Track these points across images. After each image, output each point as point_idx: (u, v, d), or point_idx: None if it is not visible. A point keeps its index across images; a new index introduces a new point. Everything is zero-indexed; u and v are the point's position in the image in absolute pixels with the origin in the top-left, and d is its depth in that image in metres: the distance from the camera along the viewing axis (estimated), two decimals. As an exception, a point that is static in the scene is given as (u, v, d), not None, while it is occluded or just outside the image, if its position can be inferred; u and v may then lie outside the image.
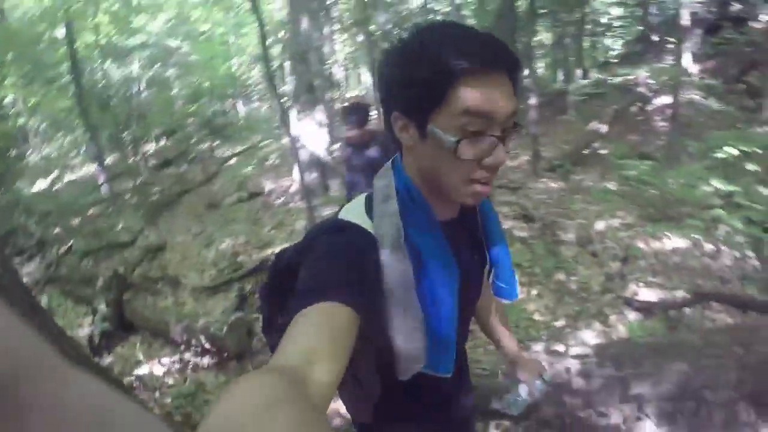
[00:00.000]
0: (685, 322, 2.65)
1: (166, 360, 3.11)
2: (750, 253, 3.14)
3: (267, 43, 6.72)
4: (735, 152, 3.74)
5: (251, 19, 8.36)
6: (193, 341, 3.08)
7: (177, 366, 3.04)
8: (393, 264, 0.69)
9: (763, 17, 7.42)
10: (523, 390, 1.13)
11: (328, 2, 9.44)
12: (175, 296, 4.04)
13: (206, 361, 3.01)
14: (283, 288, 0.72)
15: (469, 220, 0.85)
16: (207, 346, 3.02)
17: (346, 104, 3.45)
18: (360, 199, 0.79)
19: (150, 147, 10.03)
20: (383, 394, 0.77)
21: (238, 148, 9.92)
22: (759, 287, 2.88)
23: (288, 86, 6.64)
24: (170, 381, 2.92)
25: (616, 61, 9.32)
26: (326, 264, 0.64)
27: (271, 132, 10.43)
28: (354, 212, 0.77)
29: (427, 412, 0.88)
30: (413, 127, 0.69)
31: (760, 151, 3.71)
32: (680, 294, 2.87)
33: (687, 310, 2.74)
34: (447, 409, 0.93)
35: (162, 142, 10.41)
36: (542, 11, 7.07)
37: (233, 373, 2.90)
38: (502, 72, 0.65)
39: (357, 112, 3.29)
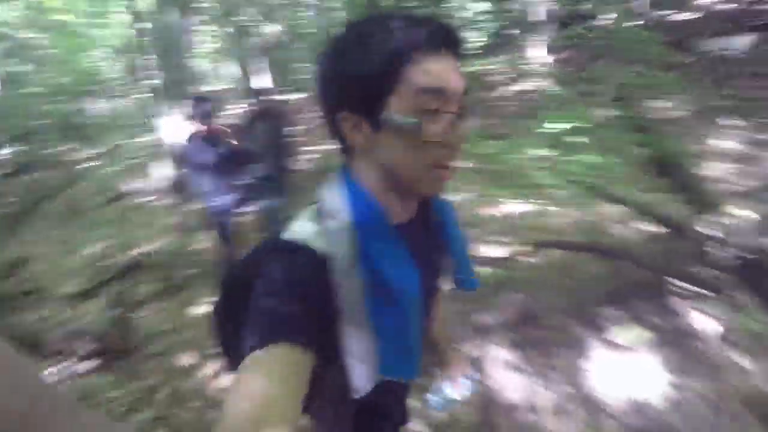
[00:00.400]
0: (526, 268, 3.21)
1: (47, 373, 2.98)
2: (576, 210, 3.85)
3: (131, 34, 6.40)
4: (566, 126, 4.50)
5: (113, 9, 7.82)
6: (75, 347, 2.98)
7: (61, 376, 2.93)
8: (345, 283, 0.67)
9: (603, 16, 8.72)
10: (448, 388, 1.13)
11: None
12: (45, 308, 3.80)
13: (90, 365, 2.94)
14: (235, 307, 0.72)
15: (426, 218, 0.83)
16: (89, 348, 2.95)
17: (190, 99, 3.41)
18: (308, 212, 0.76)
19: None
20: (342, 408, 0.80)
21: (102, 148, 9.36)
22: (586, 235, 3.54)
23: (153, 81, 6.41)
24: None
25: (479, 52, 10.27)
26: (274, 298, 0.63)
27: (134, 129, 9.99)
28: (302, 228, 0.73)
29: (375, 416, 0.89)
30: (366, 122, 0.67)
31: (589, 125, 4.52)
32: (523, 248, 3.45)
33: (530, 260, 3.31)
34: (394, 411, 0.95)
35: (12, 148, 9.32)
36: (406, 5, 7.61)
37: (121, 372, 2.87)
38: (449, 50, 0.65)
39: (200, 106, 3.22)
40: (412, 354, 0.72)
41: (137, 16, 6.39)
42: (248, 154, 3.42)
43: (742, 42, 6.53)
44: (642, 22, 8.07)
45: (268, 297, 0.63)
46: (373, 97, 0.64)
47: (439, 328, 1.13)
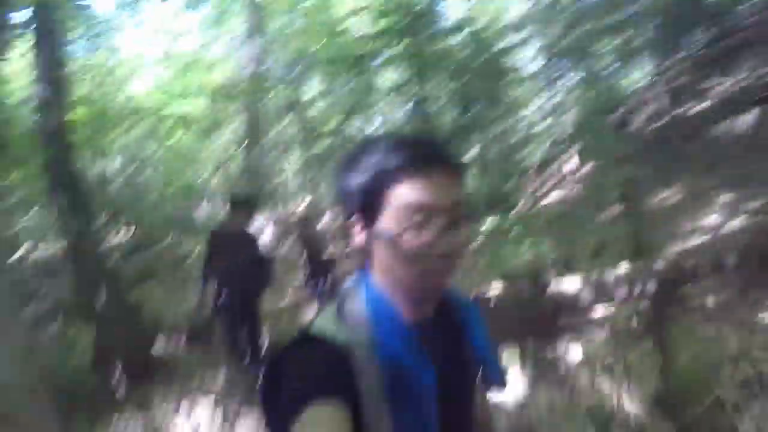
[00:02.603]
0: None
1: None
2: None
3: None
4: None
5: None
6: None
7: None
8: (365, 374, 0.73)
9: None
10: None
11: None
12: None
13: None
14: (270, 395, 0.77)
15: (445, 318, 0.89)
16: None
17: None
18: (331, 308, 0.84)
19: (118, 237, 11.53)
20: None
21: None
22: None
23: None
24: None
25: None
26: (301, 379, 0.72)
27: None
28: (325, 320, 0.82)
29: None
30: (366, 230, 0.80)
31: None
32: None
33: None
34: None
35: (125, 233, 11.98)
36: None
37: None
38: (438, 167, 0.76)
39: (241, 205, 3.70)
40: None
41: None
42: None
43: (744, 120, 7.18)
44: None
45: (293, 379, 0.72)
46: (367, 211, 0.78)
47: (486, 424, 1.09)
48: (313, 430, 0.62)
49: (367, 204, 0.77)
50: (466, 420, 0.93)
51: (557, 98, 13.66)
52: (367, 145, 0.82)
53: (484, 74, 10.71)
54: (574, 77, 12.13)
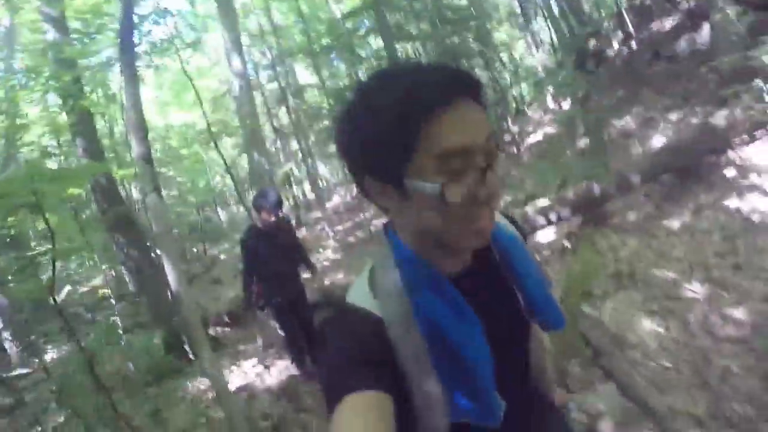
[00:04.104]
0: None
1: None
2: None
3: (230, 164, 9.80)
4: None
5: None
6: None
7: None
8: (404, 342, 0.71)
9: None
10: None
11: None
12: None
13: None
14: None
15: (484, 263, 0.84)
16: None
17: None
18: (364, 274, 0.81)
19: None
20: None
21: (226, 245, 13.04)
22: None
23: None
24: None
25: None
26: (339, 358, 0.71)
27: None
28: (358, 291, 0.79)
29: None
30: (391, 188, 0.70)
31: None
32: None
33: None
34: None
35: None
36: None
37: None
38: (468, 99, 0.66)
39: (268, 196, 3.70)
40: (490, 401, 0.73)
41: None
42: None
43: (704, 34, 7.79)
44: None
45: (333, 358, 0.72)
46: (392, 165, 0.67)
47: (539, 364, 1.01)
48: (346, 423, 0.61)
49: (389, 158, 0.67)
50: (523, 366, 0.90)
51: (539, 36, 14.25)
52: (371, 88, 0.70)
53: (469, 19, 11.45)
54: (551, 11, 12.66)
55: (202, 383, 4.39)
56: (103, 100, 6.82)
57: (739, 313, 2.83)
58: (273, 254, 3.77)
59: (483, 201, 0.67)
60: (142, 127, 2.99)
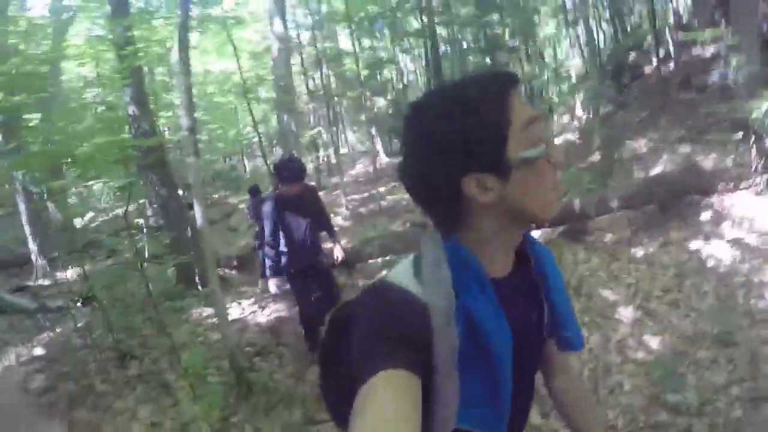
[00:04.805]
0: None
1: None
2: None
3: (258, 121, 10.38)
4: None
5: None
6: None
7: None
8: (441, 334, 0.74)
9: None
10: None
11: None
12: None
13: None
14: (338, 349, 0.83)
15: (524, 271, 0.88)
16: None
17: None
18: (408, 261, 0.85)
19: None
20: None
21: (246, 196, 13.85)
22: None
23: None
24: None
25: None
26: (379, 330, 0.72)
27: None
28: (403, 274, 0.82)
29: None
30: (494, 175, 0.74)
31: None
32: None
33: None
34: None
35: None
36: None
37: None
38: (516, 89, 0.77)
39: (291, 167, 3.73)
40: (500, 416, 0.80)
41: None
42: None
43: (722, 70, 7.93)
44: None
45: (372, 329, 0.73)
46: (498, 149, 0.73)
47: (577, 409, 1.10)
48: (378, 396, 0.62)
49: (496, 143, 0.74)
50: (532, 380, 0.96)
51: (583, 38, 14.24)
52: (458, 89, 0.76)
53: (514, 12, 11.63)
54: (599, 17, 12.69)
55: (205, 311, 5.21)
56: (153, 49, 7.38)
57: (654, 342, 3.37)
58: (295, 223, 3.84)
59: (559, 163, 0.78)
60: (190, 104, 3.60)
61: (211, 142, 14.26)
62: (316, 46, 13.09)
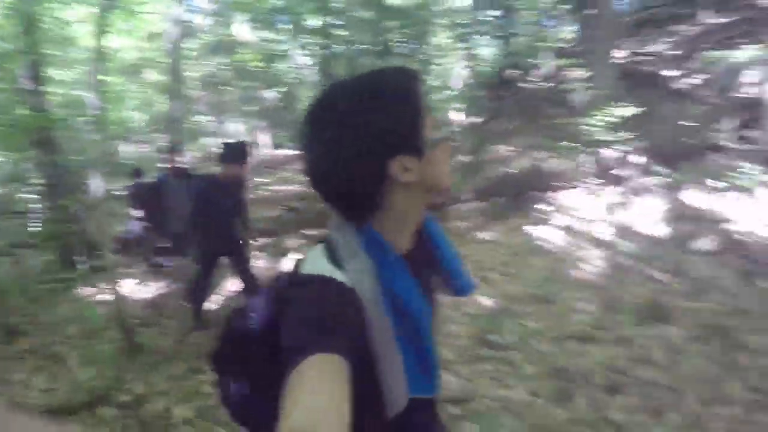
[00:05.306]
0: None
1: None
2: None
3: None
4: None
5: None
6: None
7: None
8: (375, 312, 0.82)
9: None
10: None
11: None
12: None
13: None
14: (241, 354, 0.85)
15: (420, 243, 1.00)
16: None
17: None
18: (317, 251, 0.90)
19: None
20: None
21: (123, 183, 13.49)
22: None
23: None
24: None
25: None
26: (308, 317, 0.75)
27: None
28: (319, 265, 0.86)
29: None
30: (414, 156, 0.85)
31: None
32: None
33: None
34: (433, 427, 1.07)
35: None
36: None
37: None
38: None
39: (237, 151, 3.93)
40: (432, 372, 0.93)
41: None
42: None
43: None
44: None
45: (301, 315, 0.76)
46: (418, 133, 0.85)
47: None
48: (311, 379, 0.64)
49: (418, 128, 0.84)
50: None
51: (477, 49, 15.57)
52: (383, 82, 0.85)
53: (410, 17, 12.47)
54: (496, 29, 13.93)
55: (87, 291, 5.40)
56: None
57: (486, 302, 4.25)
58: (223, 206, 3.98)
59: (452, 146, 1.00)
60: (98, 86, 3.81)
61: (98, 122, 13.57)
62: (211, 33, 13.04)
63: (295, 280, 0.87)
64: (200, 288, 4.31)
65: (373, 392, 0.83)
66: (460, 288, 1.07)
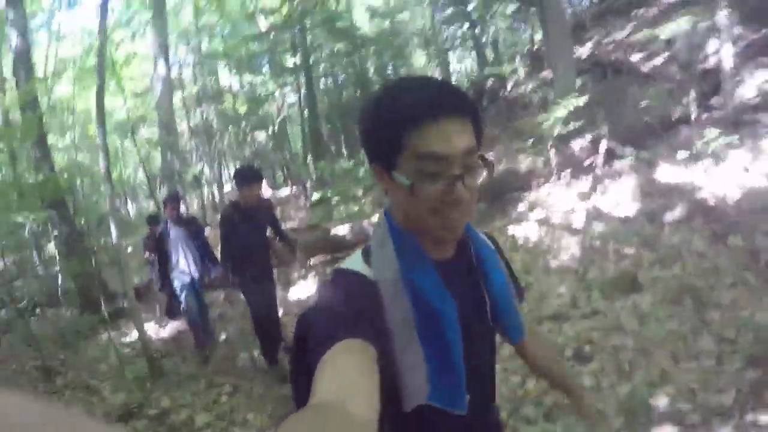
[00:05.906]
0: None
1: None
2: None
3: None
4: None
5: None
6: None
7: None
8: (393, 304, 0.85)
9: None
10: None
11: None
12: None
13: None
14: (305, 348, 0.83)
15: (464, 261, 1.00)
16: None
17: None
18: (359, 251, 0.98)
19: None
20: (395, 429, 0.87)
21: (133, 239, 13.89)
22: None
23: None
24: None
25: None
26: (333, 308, 0.82)
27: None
28: (352, 261, 0.95)
29: None
30: (386, 173, 0.87)
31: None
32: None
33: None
34: None
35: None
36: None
37: None
38: (453, 115, 0.82)
39: (247, 174, 4.01)
40: (459, 387, 0.88)
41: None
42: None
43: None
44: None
45: (327, 308, 0.83)
46: (386, 156, 0.85)
47: (547, 365, 1.27)
48: (338, 362, 0.67)
49: (384, 149, 0.85)
50: (489, 362, 1.04)
51: (451, 66, 16.03)
52: (386, 89, 0.87)
53: (384, 47, 12.92)
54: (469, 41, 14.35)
55: (112, 333, 5.94)
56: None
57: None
58: (249, 231, 3.96)
59: (450, 202, 0.82)
60: (105, 147, 4.43)
61: (94, 184, 14.08)
62: (196, 84, 13.62)
63: (327, 278, 0.97)
64: (257, 320, 4.23)
65: (393, 384, 0.83)
66: (504, 330, 1.07)
